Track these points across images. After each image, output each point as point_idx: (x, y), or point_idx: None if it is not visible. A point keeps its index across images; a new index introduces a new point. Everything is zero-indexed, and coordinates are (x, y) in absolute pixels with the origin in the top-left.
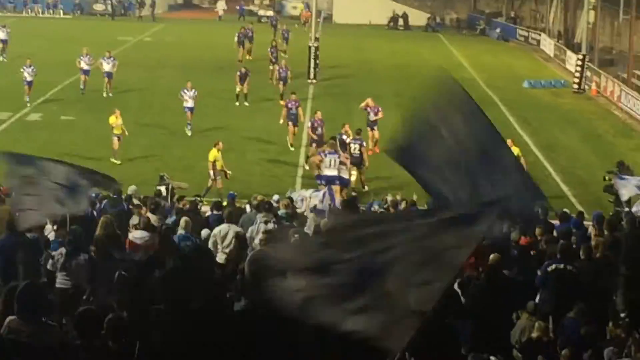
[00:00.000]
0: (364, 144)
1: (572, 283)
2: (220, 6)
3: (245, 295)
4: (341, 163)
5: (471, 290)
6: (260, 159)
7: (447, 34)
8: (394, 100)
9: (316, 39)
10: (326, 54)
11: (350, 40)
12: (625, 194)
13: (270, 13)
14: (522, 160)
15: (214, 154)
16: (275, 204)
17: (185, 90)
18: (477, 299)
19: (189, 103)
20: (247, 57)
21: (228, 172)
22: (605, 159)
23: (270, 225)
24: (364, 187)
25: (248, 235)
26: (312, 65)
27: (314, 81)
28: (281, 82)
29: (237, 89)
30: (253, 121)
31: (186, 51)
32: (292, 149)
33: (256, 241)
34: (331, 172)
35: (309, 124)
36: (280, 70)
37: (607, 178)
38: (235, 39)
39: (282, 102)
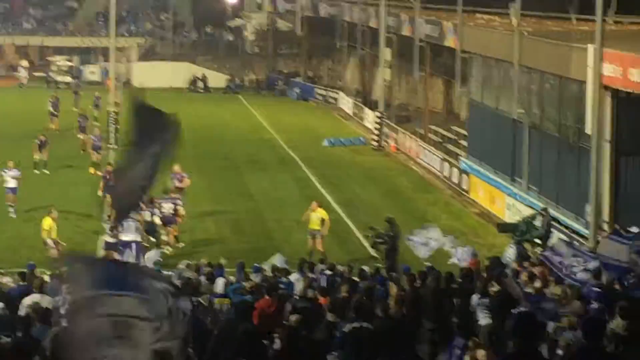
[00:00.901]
0: (179, 202)
1: (370, 341)
2: (22, 72)
3: None
4: (137, 228)
5: (272, 354)
6: (62, 227)
7: (247, 95)
8: (196, 163)
9: (116, 104)
10: (126, 120)
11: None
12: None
13: (68, 79)
14: (326, 222)
15: (48, 222)
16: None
17: (6, 170)
18: None
19: (11, 183)
20: (53, 127)
21: (61, 243)
22: (406, 214)
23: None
24: (172, 246)
25: (53, 305)
26: (112, 130)
27: (116, 146)
28: (94, 152)
29: (36, 157)
30: (53, 189)
31: None
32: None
33: (62, 311)
34: (127, 236)
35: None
36: (94, 139)
37: (371, 235)
38: (50, 107)
39: (93, 171)
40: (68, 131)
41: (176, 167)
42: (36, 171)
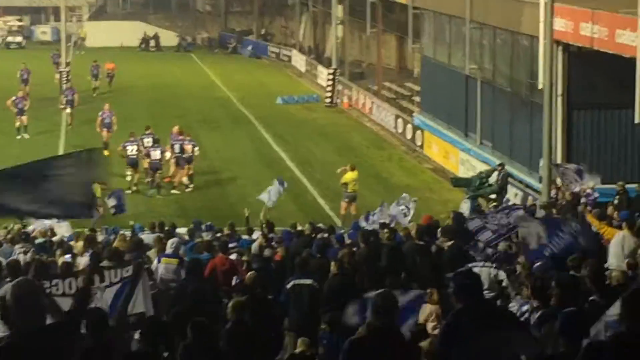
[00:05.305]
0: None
1: (314, 296)
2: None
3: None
4: None
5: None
6: None
7: (199, 54)
8: (149, 122)
9: (67, 64)
10: (79, 78)
11: (103, 63)
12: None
13: (19, 39)
14: (353, 184)
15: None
16: (31, 234)
17: None
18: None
19: None
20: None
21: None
22: (360, 171)
23: (29, 256)
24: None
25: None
26: (65, 90)
27: (67, 107)
28: (105, 129)
29: (17, 123)
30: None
31: None
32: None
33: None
34: None
35: None
36: (104, 116)
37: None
38: (18, 75)
39: (107, 153)
40: (43, 102)
41: (175, 129)
42: (18, 136)
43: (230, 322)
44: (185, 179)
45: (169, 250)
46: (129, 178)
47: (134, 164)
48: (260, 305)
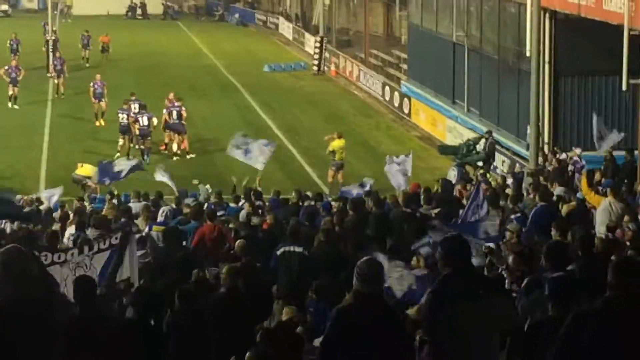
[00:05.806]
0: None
1: (303, 264)
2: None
3: None
4: None
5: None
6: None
7: (186, 21)
8: (136, 90)
9: (54, 32)
10: (66, 47)
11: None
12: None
13: (5, 7)
14: (340, 152)
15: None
16: (18, 203)
17: None
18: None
19: None
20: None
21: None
22: (348, 139)
23: (16, 225)
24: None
25: None
26: (51, 59)
27: (55, 75)
28: (97, 100)
29: (10, 92)
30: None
31: None
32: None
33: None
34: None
35: None
36: (96, 86)
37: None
38: (8, 44)
39: (98, 123)
40: (31, 71)
41: (171, 95)
42: (10, 105)
43: (224, 287)
44: (174, 147)
45: (160, 218)
46: (120, 144)
47: (124, 131)
48: (251, 272)
